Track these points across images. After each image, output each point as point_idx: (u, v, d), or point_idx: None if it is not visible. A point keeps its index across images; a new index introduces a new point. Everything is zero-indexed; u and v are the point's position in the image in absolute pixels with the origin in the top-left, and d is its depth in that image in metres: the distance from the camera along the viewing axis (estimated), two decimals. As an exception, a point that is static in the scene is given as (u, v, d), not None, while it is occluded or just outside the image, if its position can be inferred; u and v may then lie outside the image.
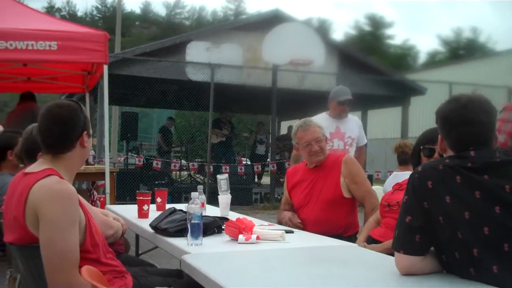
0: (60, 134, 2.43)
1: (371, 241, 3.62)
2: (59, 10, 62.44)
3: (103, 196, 6.26)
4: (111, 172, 6.63)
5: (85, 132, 2.50)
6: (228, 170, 12.47)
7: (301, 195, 4.08)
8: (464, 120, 2.13)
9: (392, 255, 2.20)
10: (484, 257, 1.96)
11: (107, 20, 55.60)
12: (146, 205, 3.76)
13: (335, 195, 3.95)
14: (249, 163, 16.15)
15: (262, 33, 13.00)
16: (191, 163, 14.38)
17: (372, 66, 15.28)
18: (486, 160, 2.06)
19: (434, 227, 2.06)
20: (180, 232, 2.93)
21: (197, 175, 15.20)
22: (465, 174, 2.04)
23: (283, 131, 18.70)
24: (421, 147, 3.34)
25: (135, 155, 13.60)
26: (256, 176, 15.55)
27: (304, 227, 3.90)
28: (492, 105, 2.17)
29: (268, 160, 14.47)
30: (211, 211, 3.97)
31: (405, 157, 5.52)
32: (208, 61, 12.67)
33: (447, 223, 2.03)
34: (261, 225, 3.32)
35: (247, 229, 2.86)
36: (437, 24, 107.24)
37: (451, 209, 2.02)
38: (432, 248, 2.14)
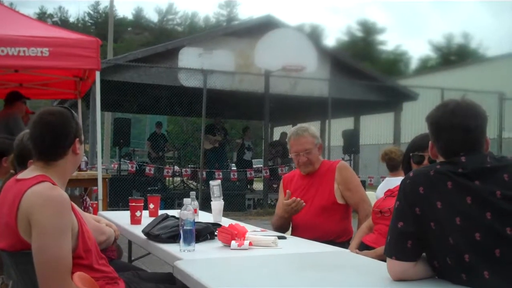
0: (52, 141, 2.42)
1: (363, 247, 3.63)
2: (51, 16, 62.39)
3: (96, 202, 6.25)
4: (103, 178, 6.61)
5: (77, 139, 2.50)
6: (221, 176, 12.47)
7: (313, 197, 4.08)
8: (451, 125, 2.14)
9: (385, 261, 2.21)
10: (476, 262, 1.97)
11: (99, 26, 55.60)
12: (138, 211, 3.76)
13: (329, 201, 3.96)
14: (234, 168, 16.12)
15: (255, 39, 13.05)
16: (184, 169, 14.36)
17: (364, 72, 15.33)
18: (477, 166, 2.06)
19: (425, 233, 2.06)
20: (173, 238, 2.93)
21: (190, 181, 15.18)
22: (456, 179, 2.04)
23: (276, 136, 18.73)
24: (411, 154, 3.35)
25: (128, 161, 13.58)
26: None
27: (297, 232, 3.90)
28: (481, 110, 2.17)
29: (261, 166, 14.48)
30: (204, 217, 3.97)
31: (393, 163, 5.53)
32: (201, 67, 12.69)
33: (438, 229, 2.03)
34: (253, 231, 3.32)
35: (240, 235, 2.86)
36: (429, 30, 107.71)
37: (442, 215, 2.03)
38: (424, 254, 2.14)
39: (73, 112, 2.53)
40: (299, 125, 4.22)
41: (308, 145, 4.00)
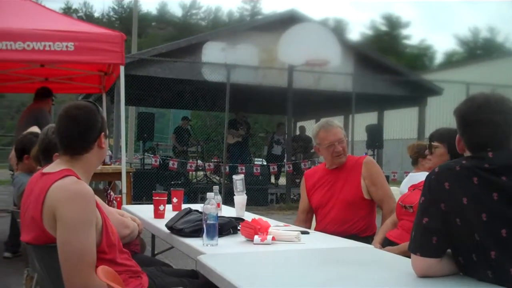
0: (78, 135, 2.44)
1: (387, 242, 3.61)
2: (76, 11, 62.94)
3: (120, 196, 6.30)
4: (127, 172, 6.65)
5: (103, 133, 2.51)
6: (244, 171, 12.48)
7: (320, 196, 4.08)
8: (478, 120, 2.11)
9: (409, 257, 2.19)
10: (502, 259, 1.94)
11: (124, 21, 55.95)
12: (162, 205, 3.78)
13: (356, 196, 3.94)
14: (264, 163, 16.15)
15: (278, 33, 13.02)
16: (207, 164, 14.40)
17: (389, 66, 15.21)
18: (504, 162, 2.03)
19: (451, 229, 2.04)
20: (196, 232, 2.93)
21: (213, 176, 15.22)
22: (482, 175, 2.02)
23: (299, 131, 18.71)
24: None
25: (152, 155, 13.65)
26: (273, 177, 15.54)
27: (321, 226, 3.90)
28: (510, 105, 2.13)
29: (284, 160, 14.47)
30: (227, 211, 3.97)
31: (419, 158, 5.49)
32: (224, 61, 12.70)
33: (464, 225, 2.01)
34: (276, 226, 3.32)
35: (263, 229, 2.85)
36: (454, 24, 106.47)
37: (468, 211, 2.00)
38: (449, 250, 2.12)
39: (98, 106, 2.54)
40: (323, 119, 4.20)
41: (341, 135, 4.02)
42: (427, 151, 3.50)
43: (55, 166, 2.44)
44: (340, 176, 4.03)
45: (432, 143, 3.41)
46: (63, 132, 2.47)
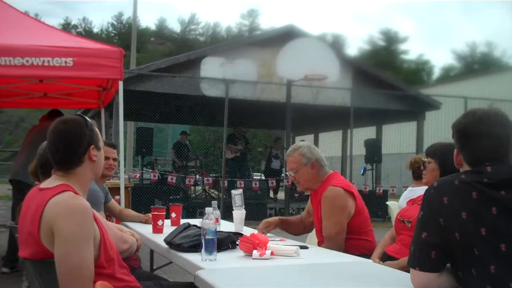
0: (65, 149, 2.43)
1: (386, 257, 3.59)
2: (75, 26, 63.28)
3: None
4: (126, 187, 6.63)
5: (92, 146, 2.49)
6: (242, 185, 12.46)
7: (314, 216, 4.04)
8: (480, 133, 2.11)
9: (408, 272, 2.18)
10: (501, 274, 1.93)
11: (123, 36, 56.26)
12: (160, 220, 3.77)
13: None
14: (263, 178, 16.13)
15: (277, 48, 13.06)
16: (206, 178, 14.39)
17: (387, 81, 15.27)
18: (503, 176, 2.03)
19: (450, 243, 2.04)
20: (194, 247, 2.92)
21: (211, 190, 15.21)
22: (481, 189, 2.01)
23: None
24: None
25: (150, 170, 13.63)
26: (272, 191, 15.52)
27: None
28: (509, 119, 2.14)
29: (283, 175, 14.46)
30: (226, 226, 3.97)
31: (419, 172, 5.49)
32: (223, 76, 12.72)
33: (463, 240, 2.00)
34: (275, 241, 3.31)
35: (261, 244, 2.85)
36: (452, 39, 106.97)
37: (467, 225, 2.00)
38: (448, 265, 2.11)
39: (87, 119, 2.52)
40: (294, 144, 4.09)
41: (293, 165, 3.90)
42: (422, 167, 3.48)
43: (52, 181, 2.43)
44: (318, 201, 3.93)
45: (425, 158, 3.41)
46: (51, 147, 2.46)
